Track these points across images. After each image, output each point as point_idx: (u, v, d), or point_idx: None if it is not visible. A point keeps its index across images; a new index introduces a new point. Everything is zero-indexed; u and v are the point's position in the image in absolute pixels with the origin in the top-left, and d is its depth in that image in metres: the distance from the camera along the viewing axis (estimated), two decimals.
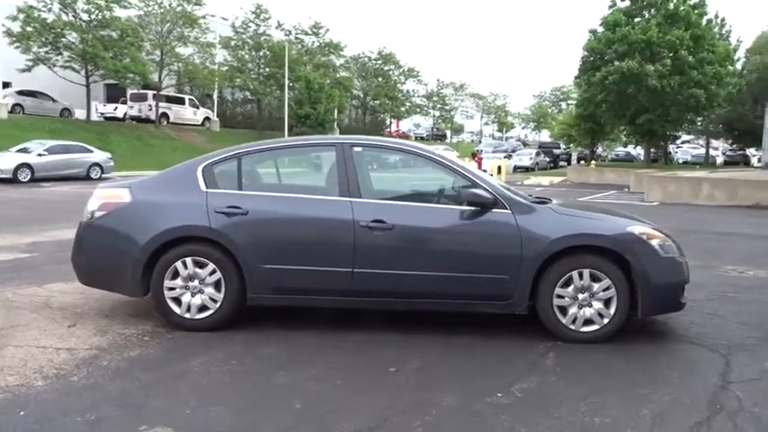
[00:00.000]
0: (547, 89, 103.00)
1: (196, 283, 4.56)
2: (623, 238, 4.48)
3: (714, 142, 54.68)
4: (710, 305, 5.55)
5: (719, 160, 51.30)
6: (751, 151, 49.35)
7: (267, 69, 42.89)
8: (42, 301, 5.29)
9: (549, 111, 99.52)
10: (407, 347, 4.34)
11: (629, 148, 51.77)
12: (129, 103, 36.13)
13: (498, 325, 4.75)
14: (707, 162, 44.63)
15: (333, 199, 4.57)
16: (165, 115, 35.89)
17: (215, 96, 41.34)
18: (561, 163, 45.33)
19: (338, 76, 47.32)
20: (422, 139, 65.93)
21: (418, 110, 67.13)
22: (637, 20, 29.31)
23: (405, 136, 66.38)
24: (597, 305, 4.45)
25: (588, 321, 4.47)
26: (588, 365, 4.08)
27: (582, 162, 43.24)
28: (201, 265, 4.54)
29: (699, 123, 34.68)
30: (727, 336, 4.69)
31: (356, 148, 4.72)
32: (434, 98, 70.84)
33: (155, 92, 34.39)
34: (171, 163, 5.48)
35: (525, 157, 39.99)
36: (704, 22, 28.78)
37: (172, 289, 4.56)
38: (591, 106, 30.76)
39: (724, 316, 5.27)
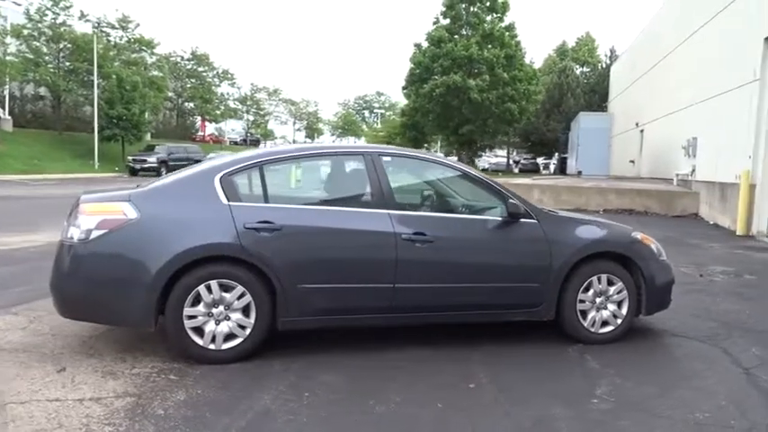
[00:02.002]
0: (351, 98, 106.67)
1: (221, 309, 4.02)
2: (633, 245, 4.85)
3: (499, 151, 60.48)
4: None
5: (515, 169, 57.13)
6: (540, 160, 55.67)
7: (68, 64, 38.61)
8: None
9: (354, 119, 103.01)
10: (455, 362, 4.26)
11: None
12: None
13: (509, 332, 4.84)
14: (507, 169, 49.47)
15: (372, 211, 4.33)
16: None
17: (5, 92, 36.21)
18: None
19: (150, 75, 44.14)
20: (236, 143, 64.17)
21: (233, 113, 65.07)
22: (456, 37, 31.52)
23: (217, 140, 64.06)
24: (612, 307, 4.77)
25: (605, 323, 4.76)
26: (626, 365, 4.33)
27: None
28: (227, 289, 4.02)
29: (510, 135, 38.30)
30: (698, 328, 5.26)
31: (385, 158, 4.52)
32: (248, 102, 69.34)
33: None
34: None
35: None
36: (514, 43, 31.89)
37: (192, 317, 3.97)
38: (417, 115, 32.43)
39: (675, 309, 5.90)
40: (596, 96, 41.25)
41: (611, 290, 4.75)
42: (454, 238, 4.46)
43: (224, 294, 4.01)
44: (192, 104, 55.17)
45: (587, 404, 3.58)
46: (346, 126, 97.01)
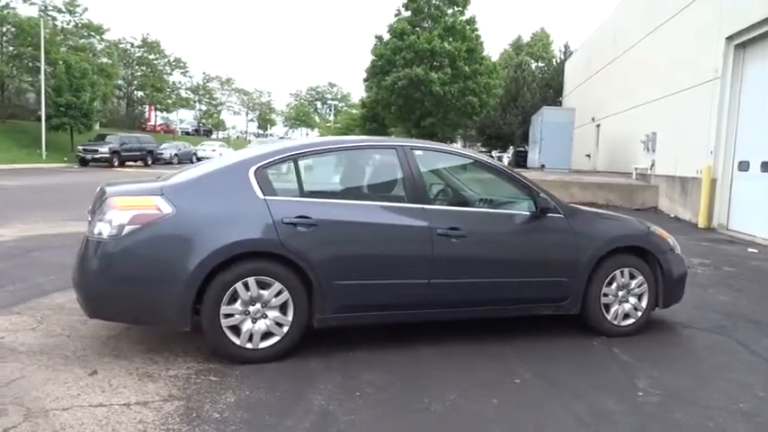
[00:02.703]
0: (303, 88, 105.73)
1: (258, 306, 3.90)
2: (653, 239, 4.94)
3: (455, 144, 61.10)
4: None
5: None
6: (495, 153, 56.45)
7: (12, 48, 36.88)
8: None
9: (308, 110, 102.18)
10: (490, 357, 4.26)
11: None
12: None
13: (531, 326, 4.87)
14: None
15: (407, 206, 4.26)
16: None
17: None
18: None
19: (100, 61, 42.57)
20: (187, 134, 62.71)
21: (185, 103, 63.45)
22: (418, 29, 31.56)
23: (169, 130, 62.42)
24: (633, 300, 4.85)
25: (626, 316, 4.84)
26: (655, 358, 4.39)
27: None
28: (264, 286, 3.90)
29: (471, 127, 38.63)
30: (705, 320, 5.42)
31: (417, 152, 4.46)
32: (201, 92, 67.74)
33: None
34: None
35: None
36: (475, 36, 32.14)
37: (229, 316, 3.84)
38: (378, 107, 32.34)
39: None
40: (551, 91, 42.00)
41: (633, 283, 4.83)
42: (487, 232, 4.45)
43: (261, 292, 3.89)
44: (142, 93, 53.51)
45: (635, 397, 3.63)
46: (300, 117, 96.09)
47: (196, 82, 67.17)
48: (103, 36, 43.94)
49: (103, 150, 32.27)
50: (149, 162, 34.80)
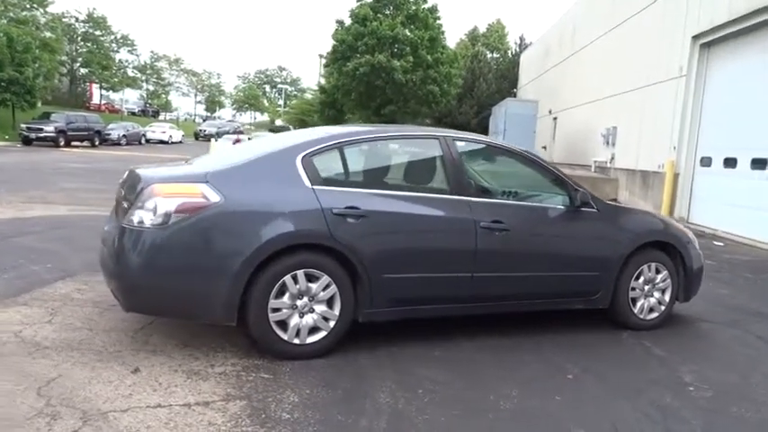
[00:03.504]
0: (251, 71, 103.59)
1: (305, 300, 3.75)
2: (677, 234, 5.01)
3: None
4: None
5: None
6: None
7: None
8: (16, 340, 3.77)
9: (257, 93, 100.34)
10: (531, 352, 4.24)
11: None
12: None
13: (557, 320, 4.89)
14: None
15: (452, 198, 4.17)
16: None
17: None
18: None
19: (43, 36, 40.50)
20: (134, 114, 60.57)
21: (131, 82, 61.18)
22: (380, 16, 31.27)
23: (114, 110, 60.13)
24: (657, 295, 4.92)
25: (651, 310, 4.90)
26: (688, 352, 4.46)
27: None
28: (312, 279, 3.75)
29: (428, 116, 38.54)
30: (716, 313, 5.55)
31: (459, 143, 4.37)
32: (148, 71, 65.44)
33: None
34: None
35: None
36: (437, 25, 32.10)
37: (277, 310, 3.68)
38: (338, 93, 31.92)
39: None
40: (506, 82, 42.48)
41: (658, 278, 4.90)
42: (528, 226, 4.41)
43: (310, 285, 3.74)
44: (86, 70, 51.24)
45: (688, 392, 3.67)
46: (249, 101, 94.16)
47: (144, 61, 64.90)
48: (47, 9, 41.79)
49: (49, 129, 30.69)
50: (96, 143, 33.39)
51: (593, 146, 21.00)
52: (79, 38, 50.72)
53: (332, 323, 3.82)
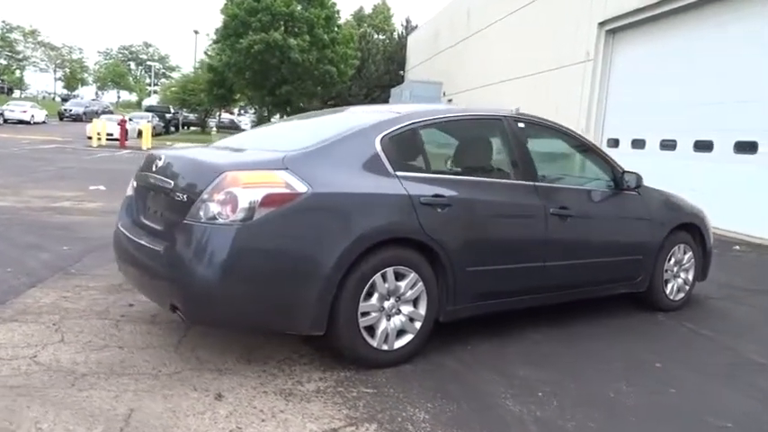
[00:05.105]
0: (114, 47, 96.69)
1: (392, 301, 3.34)
2: (700, 214, 5.08)
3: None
4: None
5: None
6: None
7: None
8: (40, 368, 3.05)
9: (123, 71, 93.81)
10: (592, 338, 4.11)
11: (234, 117, 53.05)
12: None
13: (581, 308, 4.81)
14: None
15: (523, 183, 3.90)
16: None
17: None
18: (171, 128, 43.68)
19: None
20: None
21: None
22: None
23: None
24: (683, 275, 4.98)
25: (678, 290, 4.95)
26: (730, 330, 4.52)
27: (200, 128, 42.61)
28: (399, 277, 3.34)
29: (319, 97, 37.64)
30: (723, 292, 5.71)
31: (520, 124, 4.09)
32: (0, 43, 58.60)
33: None
34: None
35: (143, 121, 37.03)
36: (331, 4, 31.30)
37: (366, 314, 3.23)
38: (230, 71, 30.24)
39: None
40: (395, 65, 42.64)
41: (685, 258, 4.95)
42: (588, 211, 4.26)
43: (398, 284, 3.33)
44: None
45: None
46: (114, 78, 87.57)
47: None
48: None
49: None
50: None
51: None
52: None
53: (417, 324, 3.43)
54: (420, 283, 3.39)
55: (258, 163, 3.17)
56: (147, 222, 3.50)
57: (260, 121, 45.80)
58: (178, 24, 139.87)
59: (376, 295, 3.25)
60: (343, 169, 3.25)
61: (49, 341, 3.40)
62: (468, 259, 3.56)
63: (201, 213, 2.96)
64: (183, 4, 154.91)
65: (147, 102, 59.25)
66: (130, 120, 31.12)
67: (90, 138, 24.78)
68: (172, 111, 44.36)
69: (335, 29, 30.60)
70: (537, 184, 3.96)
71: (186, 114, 48.69)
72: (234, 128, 48.63)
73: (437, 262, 3.44)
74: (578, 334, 4.20)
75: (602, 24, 14.51)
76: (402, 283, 3.34)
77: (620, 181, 4.45)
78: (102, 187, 10.74)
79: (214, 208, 2.94)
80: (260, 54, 27.81)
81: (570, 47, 15.60)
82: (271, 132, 4.22)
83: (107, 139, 24.96)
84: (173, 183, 3.22)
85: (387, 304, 3.31)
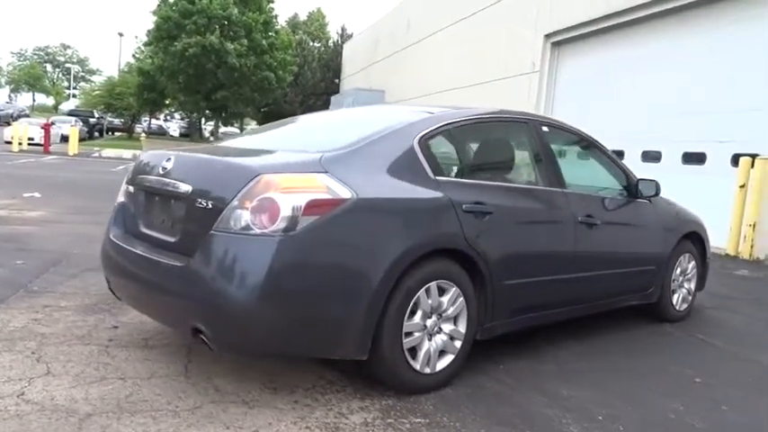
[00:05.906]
0: (29, 48, 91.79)
1: (434, 319, 3.03)
2: (701, 223, 5.03)
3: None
4: None
5: None
6: None
7: None
8: (32, 408, 2.56)
9: (40, 73, 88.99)
10: (627, 356, 3.93)
11: (161, 123, 51.15)
12: None
13: (589, 321, 4.66)
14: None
15: (555, 190, 3.68)
16: None
17: None
18: (95, 134, 41.59)
19: None
20: None
21: None
22: None
23: None
24: (687, 285, 4.91)
25: (683, 300, 4.87)
26: (741, 340, 4.46)
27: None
28: (441, 292, 3.04)
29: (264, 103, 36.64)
30: (719, 302, 5.67)
31: (544, 128, 3.87)
32: None
33: None
34: None
35: (66, 126, 35.01)
36: (269, 9, 30.66)
37: (409, 334, 2.91)
38: (162, 75, 29.03)
39: None
40: (330, 72, 42.25)
41: (689, 267, 4.89)
42: (611, 220, 4.10)
43: (441, 299, 3.02)
44: None
45: None
46: (29, 81, 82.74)
47: None
48: None
49: None
50: None
51: None
52: None
53: (458, 343, 3.14)
54: (461, 299, 3.10)
55: (294, 164, 2.78)
56: (151, 233, 3.04)
57: (190, 126, 44.37)
58: (98, 26, 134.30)
59: (419, 313, 2.93)
60: (382, 172, 2.92)
61: (33, 374, 2.89)
62: (507, 272, 3.29)
63: (232, 223, 2.56)
64: (103, 4, 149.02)
65: (65, 106, 56.21)
66: (53, 124, 29.30)
67: (9, 142, 23.17)
68: (96, 115, 42.28)
69: (273, 34, 29.98)
70: (565, 190, 3.75)
71: (111, 119, 46.56)
72: (161, 134, 46.96)
73: (477, 275, 3.16)
74: (597, 348, 4.02)
75: (548, 36, 14.75)
76: (444, 299, 3.03)
77: (634, 189, 4.32)
78: (37, 194, 9.89)
79: (246, 216, 2.54)
80: (195, 58, 26.85)
81: (517, 57, 15.75)
82: (290, 131, 3.83)
83: (29, 144, 23.41)
84: (191, 187, 2.79)
85: (429, 323, 3.00)
